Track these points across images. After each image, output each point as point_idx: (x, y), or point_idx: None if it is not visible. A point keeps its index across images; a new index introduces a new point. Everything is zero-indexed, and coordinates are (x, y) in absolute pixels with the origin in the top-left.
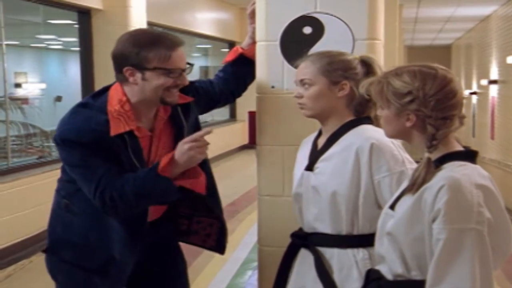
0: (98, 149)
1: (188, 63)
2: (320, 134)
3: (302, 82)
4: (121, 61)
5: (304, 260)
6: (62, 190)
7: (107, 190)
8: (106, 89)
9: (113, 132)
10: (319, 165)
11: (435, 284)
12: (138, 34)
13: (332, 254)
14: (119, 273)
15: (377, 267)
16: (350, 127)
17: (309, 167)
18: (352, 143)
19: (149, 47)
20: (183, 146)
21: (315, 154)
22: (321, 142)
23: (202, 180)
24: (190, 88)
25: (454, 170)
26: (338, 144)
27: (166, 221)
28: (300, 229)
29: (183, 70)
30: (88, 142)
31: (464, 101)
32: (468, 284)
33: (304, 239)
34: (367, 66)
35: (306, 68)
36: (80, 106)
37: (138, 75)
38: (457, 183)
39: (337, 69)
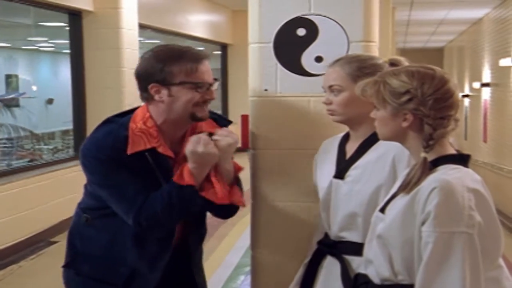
0: (119, 167)
1: (215, 79)
2: (347, 138)
3: (331, 89)
4: (145, 78)
5: (331, 268)
6: (83, 204)
7: (142, 212)
8: (134, 109)
9: (130, 150)
10: (351, 173)
11: None
12: (161, 50)
13: (360, 263)
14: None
15: (365, 271)
16: None
17: (339, 175)
18: (388, 151)
19: (174, 61)
20: (195, 148)
21: (345, 162)
22: (351, 148)
23: (219, 190)
24: (224, 123)
25: (447, 173)
26: (372, 152)
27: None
28: (327, 236)
29: (210, 85)
30: (107, 159)
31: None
32: None
33: (331, 247)
34: None
35: (335, 73)
36: (103, 122)
37: (164, 92)
38: (449, 185)
39: (368, 74)
